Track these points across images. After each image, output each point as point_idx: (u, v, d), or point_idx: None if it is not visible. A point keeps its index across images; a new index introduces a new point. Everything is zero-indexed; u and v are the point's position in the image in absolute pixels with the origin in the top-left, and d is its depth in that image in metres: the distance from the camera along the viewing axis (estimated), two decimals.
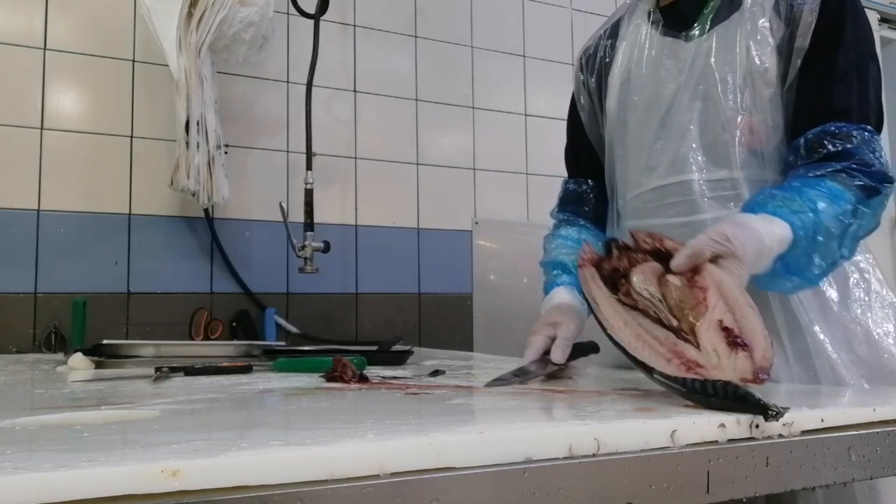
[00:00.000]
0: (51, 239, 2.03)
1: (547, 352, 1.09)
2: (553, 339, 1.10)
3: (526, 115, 2.77)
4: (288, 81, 2.38)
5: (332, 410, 0.77)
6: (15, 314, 1.96)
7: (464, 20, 2.70)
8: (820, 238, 0.96)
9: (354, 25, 2.51)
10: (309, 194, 2.22)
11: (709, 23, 1.14)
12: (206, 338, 2.12)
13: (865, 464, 0.70)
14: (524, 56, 2.79)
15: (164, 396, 0.89)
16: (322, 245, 2.18)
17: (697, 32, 1.16)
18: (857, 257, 1.14)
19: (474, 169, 2.66)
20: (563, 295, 1.25)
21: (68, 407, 0.82)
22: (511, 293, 2.54)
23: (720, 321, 0.76)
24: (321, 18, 2.33)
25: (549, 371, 1.07)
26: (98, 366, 1.39)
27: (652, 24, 1.23)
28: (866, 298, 1.12)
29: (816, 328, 1.08)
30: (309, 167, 2.25)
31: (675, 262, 0.84)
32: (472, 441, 0.55)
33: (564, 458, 0.57)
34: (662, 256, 0.88)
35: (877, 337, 1.10)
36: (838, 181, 1.00)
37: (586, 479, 0.57)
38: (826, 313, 1.10)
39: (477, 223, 2.62)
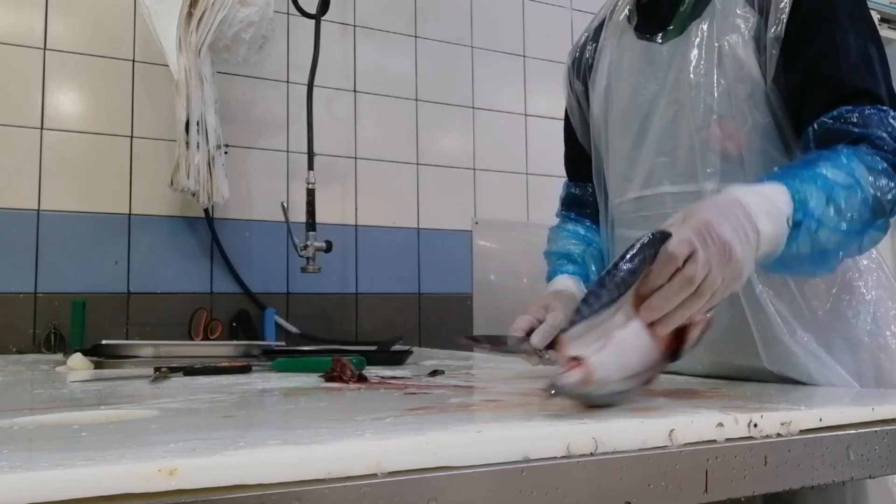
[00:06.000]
0: (51, 239, 2.03)
1: (529, 332, 1.07)
2: (540, 322, 1.08)
3: (526, 115, 2.77)
4: (288, 81, 2.38)
5: (330, 410, 0.77)
6: (15, 314, 1.96)
7: (464, 20, 2.70)
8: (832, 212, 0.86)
9: (354, 25, 2.51)
10: (311, 194, 2.22)
11: (684, 22, 1.08)
12: (206, 338, 2.12)
13: (864, 463, 0.70)
14: (524, 56, 2.79)
15: (162, 396, 0.89)
16: (324, 244, 2.18)
17: (672, 33, 1.10)
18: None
19: (474, 169, 2.66)
20: (565, 282, 1.23)
21: (67, 407, 0.82)
22: (511, 293, 2.54)
23: None
24: (322, 18, 2.33)
25: (525, 350, 1.06)
26: (97, 366, 1.39)
27: (631, 24, 1.17)
28: (865, 302, 1.06)
29: (793, 336, 1.02)
30: (311, 167, 2.25)
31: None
32: (469, 440, 0.55)
33: (562, 457, 0.57)
34: None
35: (872, 344, 1.05)
36: (852, 153, 0.90)
37: (584, 478, 0.57)
38: (807, 316, 1.03)
39: (477, 223, 2.61)
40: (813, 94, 1.00)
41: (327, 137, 2.37)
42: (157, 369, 1.18)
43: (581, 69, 1.31)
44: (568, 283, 1.23)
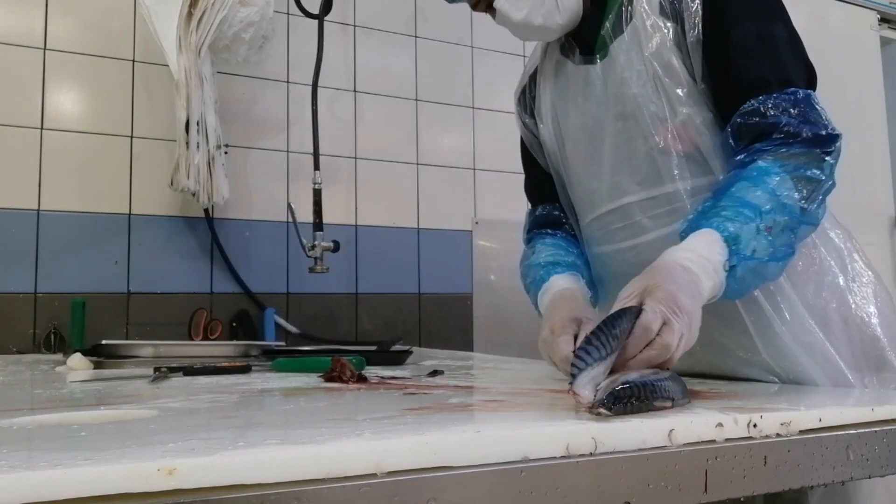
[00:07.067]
0: (51, 239, 2.03)
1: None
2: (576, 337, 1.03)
3: None
4: (288, 81, 2.38)
5: (330, 410, 0.77)
6: (15, 314, 1.97)
7: (464, 20, 2.70)
8: (768, 236, 0.91)
9: (354, 25, 2.51)
10: (317, 194, 2.22)
11: (608, 41, 1.10)
12: (206, 338, 2.12)
13: (863, 463, 0.70)
14: (524, 56, 2.79)
15: (162, 396, 0.89)
16: (332, 244, 2.18)
17: (601, 54, 1.12)
18: (831, 234, 1.10)
19: (474, 169, 2.66)
20: (564, 281, 1.17)
21: (67, 407, 0.82)
22: (511, 293, 2.52)
23: None
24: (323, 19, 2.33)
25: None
26: (97, 366, 1.39)
27: (566, 54, 1.19)
28: (843, 281, 1.08)
29: (785, 325, 1.03)
30: (317, 167, 2.25)
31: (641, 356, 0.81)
32: (469, 440, 0.55)
33: (562, 457, 0.57)
34: None
35: (857, 320, 1.07)
36: (770, 164, 0.94)
37: (584, 478, 0.57)
38: (796, 303, 1.04)
39: (477, 223, 2.61)
40: (724, 92, 1.03)
41: (327, 137, 2.37)
42: (156, 369, 1.18)
43: (527, 103, 1.34)
44: (567, 282, 1.16)
